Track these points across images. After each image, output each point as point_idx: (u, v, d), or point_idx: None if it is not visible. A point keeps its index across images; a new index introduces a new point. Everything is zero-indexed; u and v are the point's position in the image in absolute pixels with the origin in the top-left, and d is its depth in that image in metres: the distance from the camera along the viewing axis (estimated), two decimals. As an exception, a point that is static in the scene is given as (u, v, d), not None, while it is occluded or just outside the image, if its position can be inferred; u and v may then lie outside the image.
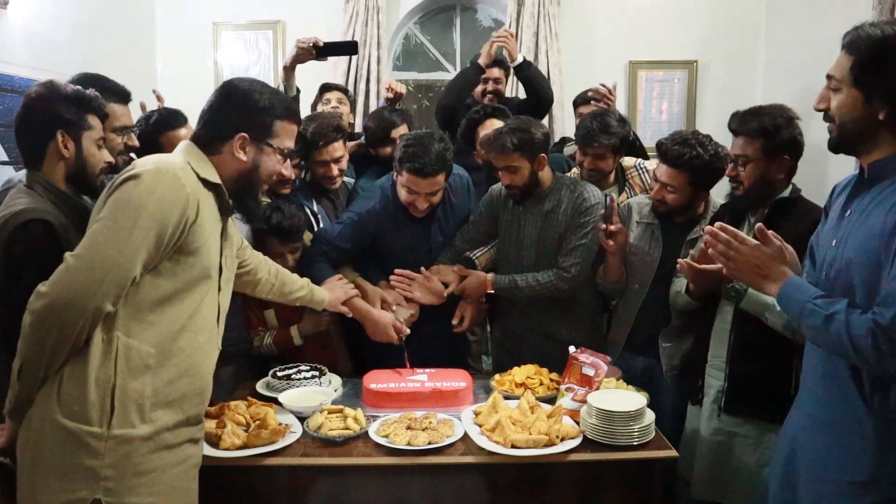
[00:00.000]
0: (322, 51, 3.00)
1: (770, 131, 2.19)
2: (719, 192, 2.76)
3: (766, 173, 2.23)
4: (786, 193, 2.27)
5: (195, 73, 4.80)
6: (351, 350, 2.99)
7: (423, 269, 2.80)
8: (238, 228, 2.16)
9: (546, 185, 2.78)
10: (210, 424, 2.08)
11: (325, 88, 3.71)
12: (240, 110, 1.79)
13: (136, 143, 2.40)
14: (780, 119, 2.21)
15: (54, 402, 1.59)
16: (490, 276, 2.82)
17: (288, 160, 1.95)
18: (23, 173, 2.24)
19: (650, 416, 2.12)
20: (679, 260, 2.27)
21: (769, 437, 2.20)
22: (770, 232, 1.72)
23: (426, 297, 2.78)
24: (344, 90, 3.82)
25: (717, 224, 1.77)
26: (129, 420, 1.62)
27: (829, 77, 1.60)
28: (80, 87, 2.01)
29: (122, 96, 2.39)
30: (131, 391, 1.62)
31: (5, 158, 3.14)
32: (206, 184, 1.75)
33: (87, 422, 1.58)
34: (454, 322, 2.82)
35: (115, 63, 3.24)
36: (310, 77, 3.81)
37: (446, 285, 2.79)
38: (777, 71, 4.57)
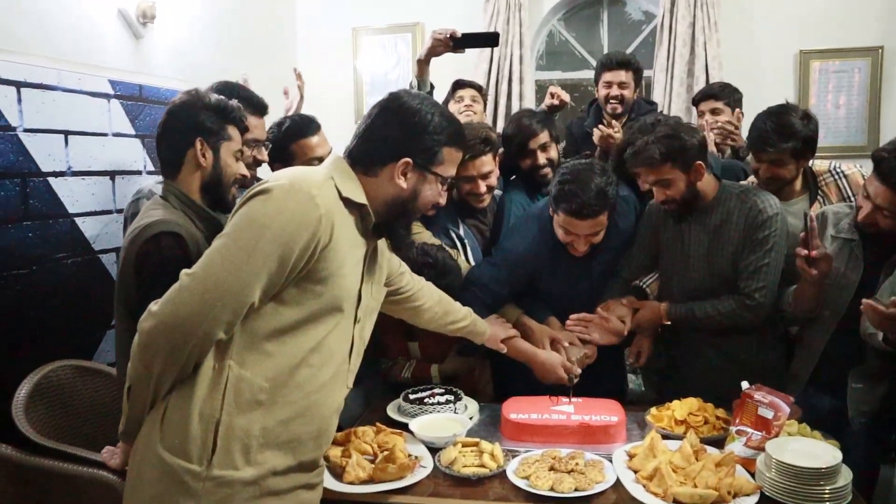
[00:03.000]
0: (460, 42, 2.77)
1: None
2: None
3: None
4: None
5: (334, 79, 4.81)
6: (501, 371, 2.75)
7: (599, 309, 2.52)
8: None
9: (710, 197, 2.43)
10: (335, 452, 1.94)
11: (458, 85, 3.53)
12: (406, 131, 1.62)
13: (266, 157, 2.32)
14: None
15: (157, 431, 1.47)
16: (664, 305, 2.50)
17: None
18: (153, 182, 2.21)
19: (847, 474, 1.75)
20: (863, 300, 1.84)
21: None
22: None
23: (605, 338, 2.51)
24: (478, 87, 3.61)
25: None
26: (232, 460, 1.47)
27: None
28: (223, 97, 1.96)
29: (259, 108, 2.35)
30: (237, 428, 1.47)
31: (152, 169, 3.19)
32: (349, 203, 1.58)
33: (186, 457, 1.45)
34: (630, 360, 2.57)
35: (255, 72, 3.21)
36: (449, 74, 3.67)
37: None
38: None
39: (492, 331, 2.36)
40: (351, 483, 1.85)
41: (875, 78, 4.24)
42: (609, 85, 3.33)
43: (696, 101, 3.43)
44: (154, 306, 1.44)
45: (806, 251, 2.15)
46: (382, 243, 1.78)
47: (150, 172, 3.18)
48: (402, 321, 2.25)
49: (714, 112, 3.25)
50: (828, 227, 2.33)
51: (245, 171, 2.00)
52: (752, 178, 2.72)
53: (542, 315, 2.59)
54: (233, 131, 1.95)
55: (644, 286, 2.62)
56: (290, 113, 2.91)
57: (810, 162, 2.63)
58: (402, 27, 4.74)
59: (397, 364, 2.60)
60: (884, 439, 2.05)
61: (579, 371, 2.40)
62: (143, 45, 3.30)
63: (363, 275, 1.67)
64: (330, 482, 1.83)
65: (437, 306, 2.20)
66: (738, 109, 3.32)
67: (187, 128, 1.88)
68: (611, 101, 3.34)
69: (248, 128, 2.02)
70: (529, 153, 2.79)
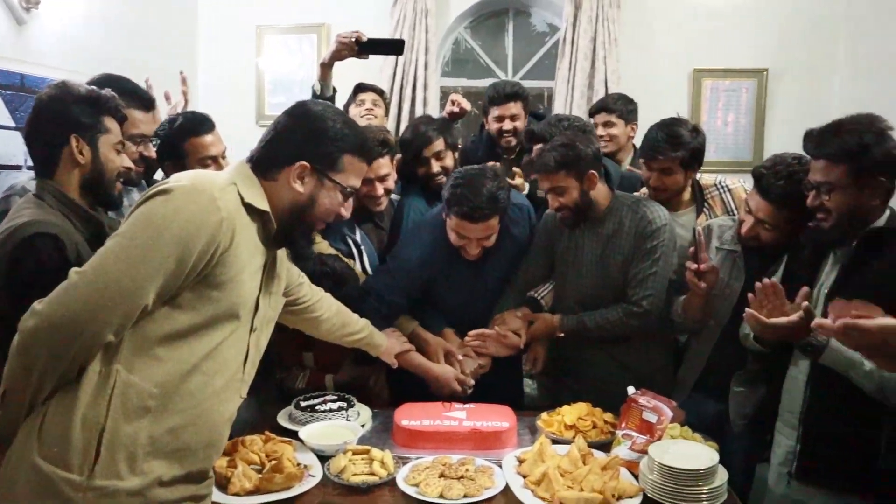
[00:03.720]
0: (365, 47, 2.74)
1: (856, 152, 1.82)
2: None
3: (856, 201, 1.86)
4: (881, 222, 1.89)
5: (237, 79, 4.69)
6: (396, 376, 2.70)
7: (496, 325, 2.55)
8: None
9: (603, 206, 2.49)
10: (221, 462, 1.86)
11: (360, 89, 3.49)
12: (306, 136, 1.60)
13: (153, 153, 2.21)
14: (867, 135, 1.82)
15: (34, 438, 1.38)
16: (557, 318, 2.55)
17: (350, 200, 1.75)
18: (27, 178, 2.07)
19: (722, 475, 1.82)
20: (746, 310, 1.92)
21: None
22: None
23: (502, 352, 2.54)
24: (380, 91, 3.58)
25: (852, 307, 1.44)
26: (116, 470, 1.39)
27: None
28: (94, 88, 1.84)
29: (145, 102, 2.22)
30: (123, 436, 1.40)
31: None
32: (251, 210, 1.55)
33: (66, 467, 1.36)
34: (527, 367, 2.62)
35: (153, 68, 3.07)
36: (354, 78, 3.63)
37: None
38: (856, 82, 4.20)
39: (388, 344, 2.36)
40: (236, 494, 1.79)
41: (760, 98, 4.46)
42: (500, 119, 3.19)
43: (592, 113, 3.50)
44: (38, 305, 1.36)
45: (695, 265, 2.24)
46: (282, 253, 1.75)
47: (30, 168, 2.99)
48: (297, 331, 2.21)
49: (607, 125, 3.32)
50: (713, 239, 2.43)
51: (129, 164, 1.90)
52: (644, 190, 2.80)
53: (437, 326, 2.60)
54: (110, 123, 1.82)
55: (539, 297, 2.65)
56: None
57: (698, 176, 2.73)
58: (308, 27, 4.66)
59: (292, 374, 2.55)
60: (760, 440, 2.13)
61: (472, 383, 2.45)
62: (27, 31, 3.12)
63: (262, 284, 1.63)
64: (215, 494, 1.75)
65: (334, 318, 2.18)
66: (631, 123, 3.41)
67: (59, 124, 1.76)
68: (504, 134, 3.20)
69: (125, 117, 1.90)
70: (424, 161, 2.80)
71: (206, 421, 1.52)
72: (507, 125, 3.17)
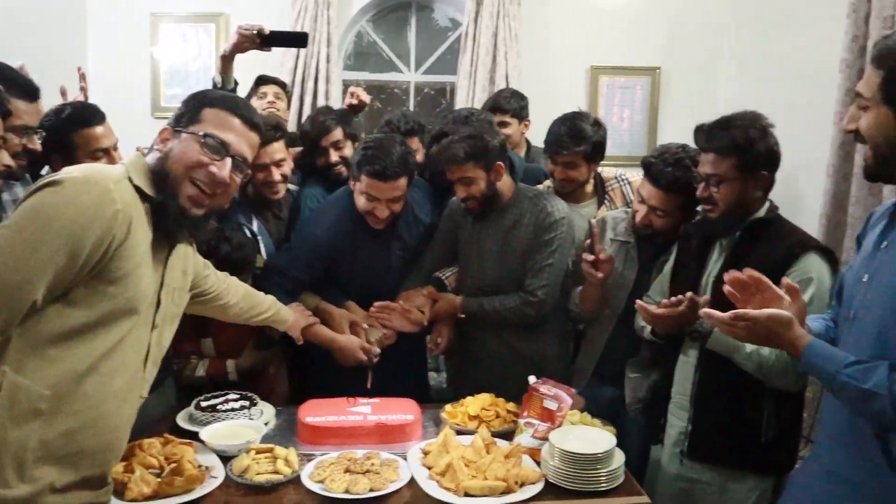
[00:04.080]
0: (267, 40, 2.67)
1: (743, 146, 1.96)
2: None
3: (742, 192, 2.00)
4: (761, 213, 2.05)
5: (131, 68, 4.46)
6: (298, 371, 2.72)
7: (401, 301, 2.58)
8: None
9: (506, 198, 2.55)
10: (117, 469, 1.79)
11: (262, 81, 3.43)
12: (181, 108, 1.62)
13: (38, 146, 2.10)
14: (753, 131, 1.97)
15: None
16: (459, 298, 2.60)
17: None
18: None
19: (619, 457, 1.91)
20: (636, 302, 2.05)
21: (734, 486, 2.01)
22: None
23: (406, 326, 2.57)
24: (282, 84, 3.54)
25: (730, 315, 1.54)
26: (3, 477, 1.32)
27: (857, 94, 1.40)
28: None
29: (29, 92, 2.10)
30: (11, 441, 1.33)
31: None
32: (145, 198, 1.52)
33: None
34: (430, 346, 2.65)
35: (39, 56, 2.89)
36: (255, 70, 3.56)
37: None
38: (741, 81, 4.43)
39: (294, 318, 2.36)
40: (134, 500, 1.73)
41: (654, 95, 4.65)
42: None
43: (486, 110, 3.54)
44: None
45: (592, 256, 2.31)
46: (186, 248, 1.71)
47: None
48: (193, 317, 2.15)
49: (501, 125, 3.33)
50: (607, 230, 2.53)
51: (9, 161, 1.80)
52: (547, 183, 2.87)
53: (340, 302, 2.61)
54: None
55: (444, 278, 2.70)
56: None
57: (600, 169, 2.83)
58: (206, 17, 4.50)
59: (190, 363, 2.48)
60: (655, 423, 2.24)
61: (378, 351, 2.47)
62: None
63: (163, 278, 1.59)
64: (112, 501, 1.68)
65: (242, 302, 2.15)
66: (524, 120, 3.46)
67: None
68: None
69: (10, 111, 1.80)
70: (323, 150, 2.83)
71: (103, 423, 1.47)
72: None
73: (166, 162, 1.56)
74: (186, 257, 1.73)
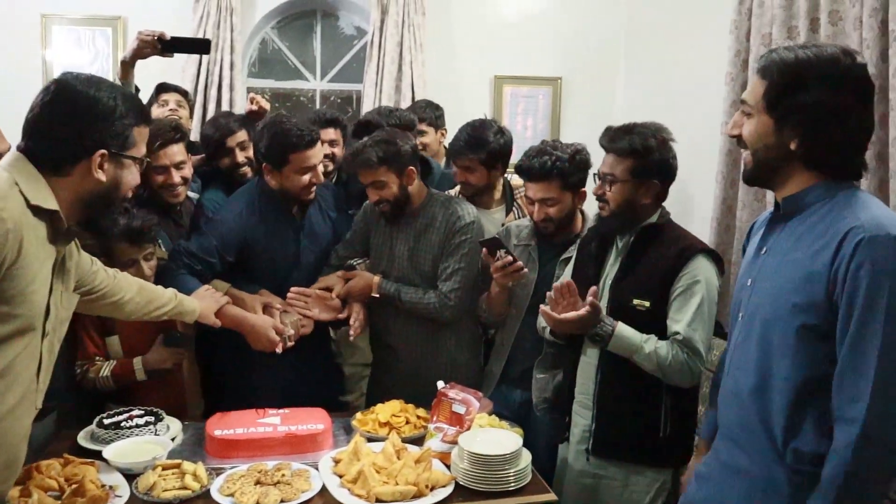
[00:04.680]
0: (168, 45, 2.63)
1: (640, 152, 2.09)
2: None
3: (632, 196, 2.12)
4: (654, 219, 2.17)
5: (19, 72, 4.23)
6: (209, 387, 2.64)
7: (316, 288, 2.57)
8: None
9: (418, 202, 2.60)
10: (13, 493, 1.72)
11: (162, 89, 3.35)
12: (93, 123, 1.49)
13: None
14: (652, 140, 2.10)
15: None
16: (377, 278, 2.60)
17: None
18: None
19: (526, 457, 1.98)
20: (541, 307, 2.14)
21: (636, 480, 2.12)
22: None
23: (325, 313, 2.55)
24: (183, 92, 3.47)
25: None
26: None
27: (742, 102, 1.51)
28: None
29: None
30: None
31: None
32: (38, 211, 1.44)
33: None
34: (351, 323, 2.57)
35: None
36: (156, 76, 3.46)
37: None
38: (636, 91, 4.64)
39: (203, 305, 2.25)
40: (32, 524, 1.67)
41: (556, 104, 4.80)
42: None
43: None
44: None
45: (504, 260, 2.39)
46: (72, 247, 1.64)
47: None
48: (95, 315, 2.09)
49: (418, 133, 3.42)
50: (511, 238, 2.62)
51: None
52: (457, 189, 2.95)
53: (253, 290, 2.56)
54: None
55: (356, 264, 2.71)
56: None
57: (509, 176, 2.92)
58: (102, 20, 4.34)
59: (94, 365, 2.37)
60: (560, 422, 2.32)
61: (292, 332, 2.41)
62: None
63: (52, 285, 1.52)
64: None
65: (137, 296, 2.03)
66: (441, 129, 3.55)
67: None
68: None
69: None
70: (228, 151, 2.83)
71: (2, 441, 1.42)
72: (326, 150, 3.11)
73: (116, 191, 1.57)
74: (71, 256, 1.65)
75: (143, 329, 2.28)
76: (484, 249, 2.43)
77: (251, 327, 2.35)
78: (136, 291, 2.04)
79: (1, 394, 1.41)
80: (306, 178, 2.49)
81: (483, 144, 2.72)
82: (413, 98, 4.37)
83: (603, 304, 2.12)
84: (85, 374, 2.37)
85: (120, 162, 1.54)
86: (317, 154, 2.50)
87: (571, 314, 2.03)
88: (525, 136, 4.72)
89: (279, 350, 2.37)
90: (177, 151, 2.55)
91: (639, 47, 4.63)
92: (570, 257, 2.45)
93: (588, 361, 2.21)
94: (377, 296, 2.60)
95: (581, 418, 2.22)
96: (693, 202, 3.62)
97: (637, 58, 4.66)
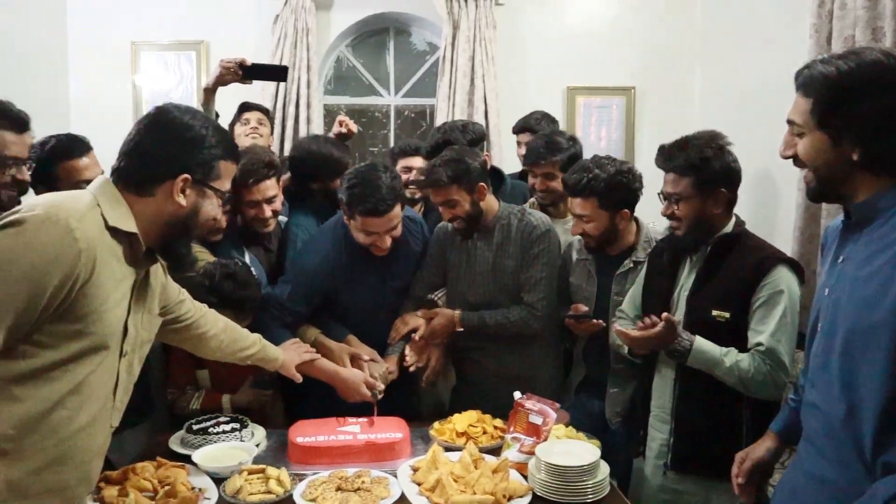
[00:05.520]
0: (248, 72, 2.75)
1: (699, 166, 2.05)
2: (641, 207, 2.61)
3: (701, 210, 2.09)
4: (728, 228, 2.13)
5: (112, 96, 4.50)
6: (291, 395, 2.70)
7: (399, 324, 2.64)
8: None
9: (492, 216, 2.63)
10: (111, 492, 1.83)
11: (245, 108, 3.47)
12: (182, 146, 1.54)
13: (27, 177, 2.11)
14: (708, 151, 2.06)
15: None
16: (457, 313, 2.62)
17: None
18: None
19: (604, 469, 1.96)
20: (615, 328, 2.14)
21: (716, 496, 2.06)
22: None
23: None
24: (265, 111, 3.58)
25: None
26: None
27: (790, 122, 1.48)
28: None
29: (18, 123, 2.11)
30: None
31: None
32: (117, 232, 1.47)
33: None
34: (413, 365, 2.60)
35: (19, 85, 2.90)
36: (233, 98, 3.59)
37: (414, 331, 2.61)
38: (713, 98, 4.54)
39: (286, 357, 2.26)
40: (128, 523, 1.75)
41: (630, 113, 4.75)
42: (408, 170, 3.26)
43: (515, 132, 3.66)
44: None
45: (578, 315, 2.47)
46: (156, 268, 1.68)
47: None
48: None
49: (519, 145, 3.51)
50: (573, 253, 2.63)
51: None
52: (531, 201, 2.97)
53: (340, 335, 2.61)
54: None
55: (436, 299, 2.76)
56: None
57: None
58: (186, 45, 4.55)
59: (185, 394, 2.48)
60: (635, 435, 2.29)
61: (383, 387, 2.44)
62: None
63: (130, 306, 1.54)
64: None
65: (222, 334, 2.07)
66: None
67: None
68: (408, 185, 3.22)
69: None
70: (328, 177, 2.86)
71: (73, 458, 1.44)
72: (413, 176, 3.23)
73: (194, 219, 1.58)
74: (156, 277, 1.68)
75: (233, 366, 2.32)
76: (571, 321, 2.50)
77: (343, 382, 2.40)
78: (221, 328, 2.07)
79: (74, 410, 1.42)
80: (362, 238, 2.48)
81: (559, 149, 2.78)
82: (486, 111, 4.42)
83: (678, 317, 2.09)
84: (176, 400, 2.48)
85: (202, 191, 1.57)
86: (379, 224, 2.44)
87: (647, 332, 2.01)
88: (599, 146, 4.68)
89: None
90: (269, 186, 2.62)
91: (715, 53, 4.54)
92: (626, 271, 2.46)
93: (664, 375, 2.18)
94: (461, 329, 2.63)
95: (658, 432, 2.19)
96: (776, 211, 3.52)
97: (713, 64, 4.56)
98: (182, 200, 1.53)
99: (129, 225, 1.49)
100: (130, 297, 1.54)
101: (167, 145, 1.53)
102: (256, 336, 2.20)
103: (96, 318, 1.42)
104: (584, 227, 2.46)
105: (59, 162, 2.25)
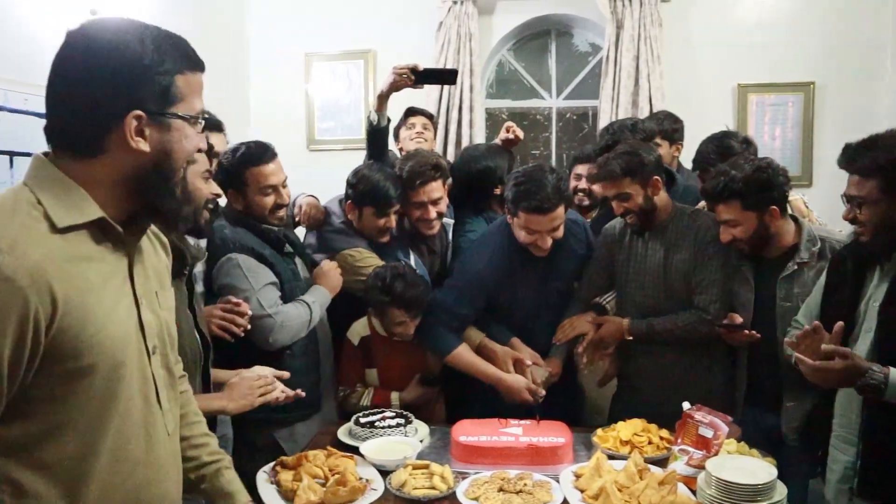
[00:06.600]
0: (420, 77, 2.85)
1: (886, 167, 1.84)
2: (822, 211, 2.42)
3: (889, 214, 1.87)
4: None
5: (286, 104, 4.80)
6: (453, 394, 2.78)
7: (565, 328, 2.65)
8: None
9: (665, 214, 2.56)
10: (286, 476, 1.94)
11: (411, 112, 3.57)
12: (116, 76, 1.12)
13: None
14: None
15: None
16: (626, 321, 2.59)
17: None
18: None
19: (781, 490, 1.82)
20: (796, 354, 1.92)
21: None
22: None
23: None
24: (429, 115, 3.66)
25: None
26: None
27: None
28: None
29: (217, 125, 2.31)
30: None
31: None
32: (74, 229, 1.12)
33: None
34: (586, 367, 2.65)
35: (207, 96, 3.14)
36: (400, 101, 3.70)
37: (582, 336, 2.61)
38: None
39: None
40: (301, 507, 1.84)
41: (808, 111, 4.43)
42: (579, 178, 3.27)
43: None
44: None
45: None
46: (146, 244, 1.31)
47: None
48: (361, 348, 2.25)
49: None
50: (731, 256, 2.49)
51: (217, 190, 1.97)
52: (702, 203, 2.84)
53: (503, 338, 2.64)
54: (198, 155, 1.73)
55: (604, 303, 2.71)
56: None
57: None
58: (355, 54, 4.77)
59: (355, 392, 2.60)
60: (813, 455, 2.13)
61: (544, 392, 2.46)
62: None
63: (135, 294, 1.23)
64: (282, 505, 1.81)
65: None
66: (676, 143, 3.41)
67: None
68: (578, 192, 3.26)
69: (212, 146, 1.95)
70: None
71: (136, 493, 1.23)
72: (583, 184, 3.24)
73: (167, 162, 1.18)
74: (150, 253, 1.34)
75: (402, 366, 2.46)
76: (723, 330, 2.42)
77: (507, 388, 2.48)
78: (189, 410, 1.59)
79: (120, 444, 1.19)
80: (524, 236, 2.51)
81: (731, 154, 2.65)
82: (651, 112, 4.27)
83: (865, 330, 1.91)
84: (347, 397, 2.61)
85: (165, 123, 1.17)
86: (542, 222, 2.46)
87: (827, 364, 1.80)
88: (773, 146, 4.42)
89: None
90: (435, 188, 2.69)
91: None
92: (791, 274, 2.31)
93: (849, 391, 1.99)
94: (630, 338, 2.58)
95: (842, 454, 2.01)
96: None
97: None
98: (142, 145, 1.14)
99: (87, 213, 1.14)
100: (132, 285, 1.22)
101: (98, 81, 1.12)
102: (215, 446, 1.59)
103: (95, 340, 1.11)
104: (733, 232, 2.35)
105: (247, 167, 2.39)
